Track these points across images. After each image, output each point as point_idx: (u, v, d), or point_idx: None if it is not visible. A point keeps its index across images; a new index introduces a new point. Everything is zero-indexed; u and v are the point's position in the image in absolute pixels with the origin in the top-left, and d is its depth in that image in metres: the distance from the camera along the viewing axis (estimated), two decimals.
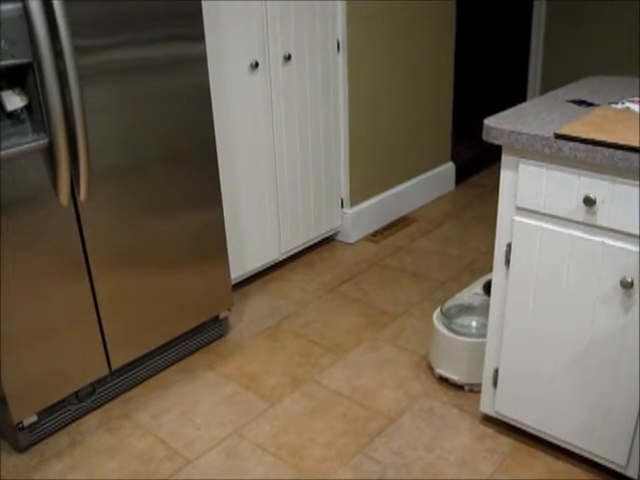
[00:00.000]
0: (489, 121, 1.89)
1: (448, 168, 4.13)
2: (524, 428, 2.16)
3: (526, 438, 2.20)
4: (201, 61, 2.37)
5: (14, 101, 1.96)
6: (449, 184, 4.17)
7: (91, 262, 2.25)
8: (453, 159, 4.17)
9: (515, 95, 4.83)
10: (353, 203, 3.54)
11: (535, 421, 2.10)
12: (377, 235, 3.65)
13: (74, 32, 1.98)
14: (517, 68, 4.84)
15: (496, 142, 1.86)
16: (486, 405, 2.23)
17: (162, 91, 2.29)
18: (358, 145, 3.44)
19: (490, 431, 2.25)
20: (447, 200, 4.07)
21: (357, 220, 3.58)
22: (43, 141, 2.02)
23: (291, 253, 3.36)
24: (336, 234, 3.61)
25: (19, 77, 1.97)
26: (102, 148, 2.18)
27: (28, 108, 2.01)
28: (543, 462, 2.11)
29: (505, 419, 2.20)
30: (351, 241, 3.58)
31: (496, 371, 2.15)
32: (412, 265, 3.34)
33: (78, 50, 2.02)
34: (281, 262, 3.38)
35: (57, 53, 1.93)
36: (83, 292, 2.26)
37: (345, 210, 3.53)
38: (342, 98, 3.29)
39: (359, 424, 2.32)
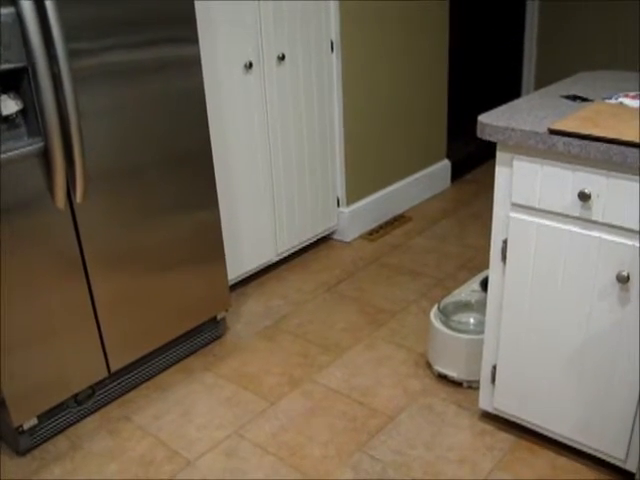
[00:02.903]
0: (483, 118, 1.89)
1: (444, 166, 4.13)
2: (523, 424, 2.16)
3: (526, 434, 2.20)
4: (195, 63, 2.37)
5: (9, 105, 1.96)
6: (445, 182, 4.18)
7: (88, 265, 2.25)
8: (449, 156, 4.18)
9: (510, 92, 4.84)
10: (349, 202, 3.55)
11: (534, 417, 2.11)
12: (373, 233, 3.65)
13: (68, 36, 1.98)
14: (511, 64, 4.85)
15: (490, 139, 1.86)
16: (485, 402, 2.23)
17: (157, 93, 2.29)
18: (353, 144, 3.45)
19: (489, 428, 2.26)
20: (443, 198, 4.07)
21: (353, 219, 3.58)
22: (38, 145, 2.02)
23: (288, 253, 3.36)
24: (333, 233, 3.62)
25: (14, 81, 1.97)
26: (98, 151, 2.18)
27: (23, 112, 2.01)
28: (543, 458, 2.12)
29: (504, 415, 2.20)
30: (348, 240, 3.59)
31: (494, 367, 2.16)
32: (409, 263, 3.35)
33: (72, 54, 2.02)
34: (278, 262, 3.38)
35: (51, 57, 1.93)
36: (81, 295, 2.26)
37: (341, 209, 3.53)
38: (336, 97, 3.30)
39: (358, 422, 2.33)
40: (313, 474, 2.12)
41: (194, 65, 2.37)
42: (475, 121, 2.01)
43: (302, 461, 2.18)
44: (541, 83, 4.72)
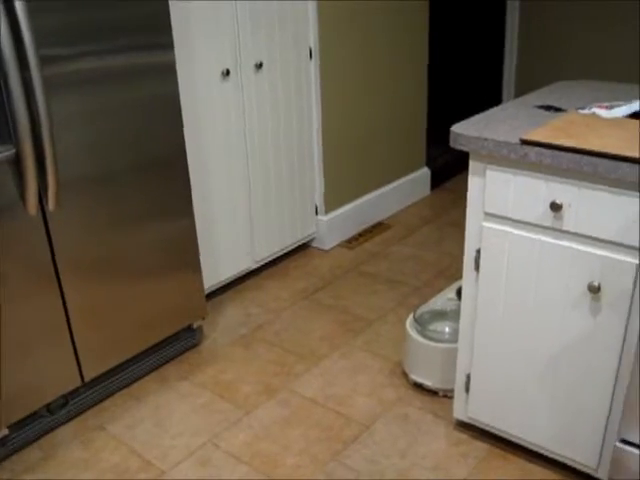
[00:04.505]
0: (456, 128, 1.89)
1: (423, 173, 4.14)
2: (498, 433, 2.17)
3: (500, 443, 2.20)
4: (170, 70, 2.36)
5: None
6: (424, 189, 4.19)
7: (61, 273, 2.23)
8: (428, 164, 4.19)
9: (490, 100, 4.86)
10: (328, 210, 3.54)
11: (508, 426, 2.11)
12: (352, 241, 3.65)
13: (39, 42, 1.96)
14: (491, 73, 4.87)
15: (463, 148, 1.86)
16: (459, 411, 2.24)
17: (131, 100, 2.28)
18: (332, 151, 3.45)
19: (464, 436, 2.26)
20: (423, 205, 4.08)
21: (332, 226, 3.58)
22: (10, 152, 2.00)
23: (266, 261, 3.35)
24: (311, 241, 3.61)
25: None
26: (70, 158, 2.16)
27: None
28: (517, 466, 2.12)
29: (478, 424, 2.20)
30: (326, 248, 3.58)
31: (468, 376, 2.16)
32: (387, 271, 3.35)
33: (44, 60, 2.00)
34: (256, 270, 3.37)
35: (22, 63, 1.92)
36: (53, 303, 2.24)
37: (320, 217, 3.53)
38: (315, 105, 3.30)
39: (333, 432, 2.32)
40: None
41: (169, 72, 2.36)
42: None
43: (276, 470, 2.17)
44: (522, 91, 4.74)
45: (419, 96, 3.93)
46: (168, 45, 2.33)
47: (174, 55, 2.36)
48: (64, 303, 2.27)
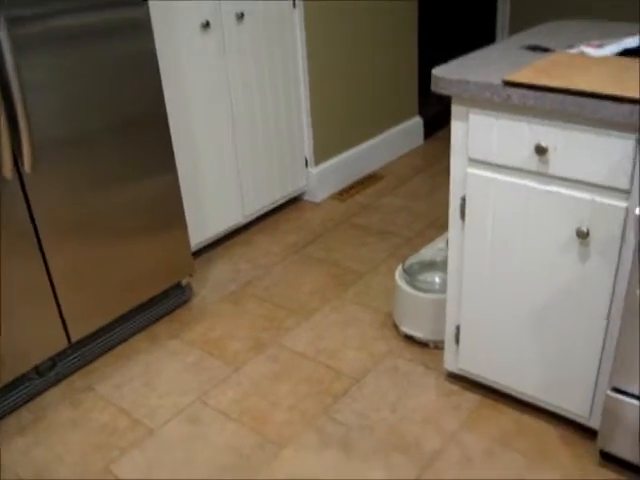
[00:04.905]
0: (437, 71, 1.82)
1: (416, 122, 4.07)
2: (489, 384, 2.14)
3: (492, 394, 2.18)
4: (144, 25, 2.28)
5: None
6: (417, 139, 4.11)
7: (41, 234, 2.19)
8: (421, 113, 4.11)
9: (484, 42, 4.74)
10: (318, 162, 3.48)
11: (499, 376, 2.08)
12: (344, 194, 3.60)
13: (7, 2, 1.89)
14: (485, 14, 4.75)
15: (444, 92, 1.80)
16: (450, 362, 2.21)
17: (105, 58, 2.20)
18: (320, 102, 3.37)
19: (455, 388, 2.23)
20: (415, 155, 4.01)
21: (323, 179, 3.52)
22: None
23: (256, 215, 3.30)
24: (302, 194, 3.56)
25: None
26: (46, 119, 2.10)
27: None
28: (508, 416, 2.10)
29: (469, 376, 2.18)
30: (317, 201, 3.53)
31: (457, 327, 2.12)
32: (379, 222, 3.30)
33: (13, 20, 1.93)
34: (246, 225, 3.32)
35: None
36: (35, 266, 2.20)
37: (310, 169, 3.47)
38: (300, 55, 3.21)
39: (323, 386, 2.30)
40: (276, 439, 2.10)
41: (143, 27, 2.28)
42: None
43: (265, 426, 2.15)
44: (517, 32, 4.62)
45: (409, 43, 3.83)
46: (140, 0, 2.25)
47: (148, 10, 2.27)
48: (46, 265, 2.23)
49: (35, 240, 2.18)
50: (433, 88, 1.82)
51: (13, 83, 1.94)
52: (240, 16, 2.86)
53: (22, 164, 2.07)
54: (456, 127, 1.85)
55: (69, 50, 2.11)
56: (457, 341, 2.14)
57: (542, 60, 1.81)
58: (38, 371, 2.34)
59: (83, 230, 2.30)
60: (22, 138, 2.02)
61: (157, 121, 2.42)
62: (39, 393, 2.37)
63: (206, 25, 2.73)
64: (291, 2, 3.09)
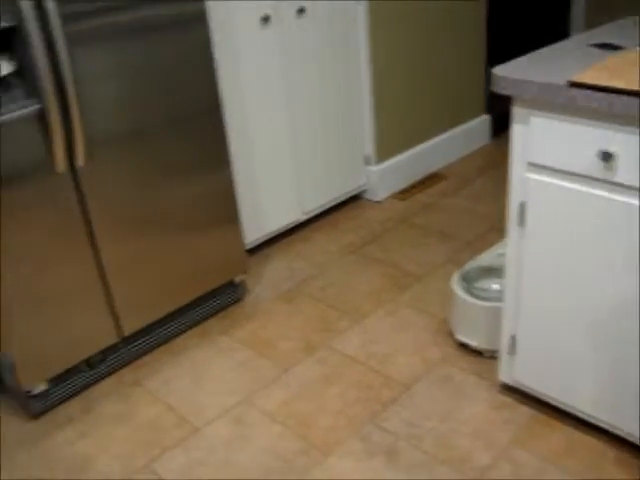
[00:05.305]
0: (498, 70, 1.74)
1: (483, 121, 3.94)
2: (543, 398, 2.04)
3: (545, 408, 2.08)
4: (201, 19, 2.25)
5: (2, 67, 1.89)
6: (483, 138, 3.99)
7: (95, 229, 2.20)
8: (489, 111, 3.98)
9: (558, 39, 4.57)
10: (379, 160, 3.41)
11: (553, 390, 1.98)
12: (405, 193, 3.52)
13: None
14: (560, 9, 4.57)
15: (505, 92, 1.71)
16: (504, 373, 2.12)
17: (160, 53, 2.19)
18: (383, 99, 3.29)
19: (508, 400, 2.14)
20: (481, 155, 3.89)
21: (384, 177, 3.45)
22: (35, 107, 1.96)
23: (315, 213, 3.25)
24: (363, 192, 3.49)
25: (7, 42, 1.90)
26: (101, 113, 2.10)
27: (20, 74, 1.94)
28: (562, 433, 2.00)
29: (524, 388, 2.08)
30: (378, 199, 3.46)
31: (513, 338, 2.03)
32: (440, 224, 3.21)
33: (70, 16, 1.94)
34: (305, 222, 3.28)
35: (43, 17, 1.86)
36: (88, 259, 2.21)
37: (370, 167, 3.40)
38: (363, 48, 3.13)
39: (372, 392, 2.24)
40: (321, 445, 2.05)
41: (200, 21, 2.25)
42: None
43: (310, 431, 2.11)
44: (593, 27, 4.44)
45: (478, 36, 3.71)
46: None
47: (204, 5, 2.24)
48: (99, 259, 2.23)
49: (88, 234, 2.19)
50: (493, 88, 1.73)
51: (67, 79, 1.95)
52: (301, 10, 2.81)
53: (75, 157, 2.07)
54: (516, 130, 1.76)
55: (124, 45, 2.10)
56: (512, 352, 2.05)
57: (611, 59, 1.70)
58: (89, 364, 2.36)
59: (136, 224, 2.29)
60: (75, 131, 2.02)
61: (212, 115, 2.40)
62: (88, 386, 2.38)
63: (266, 19, 2.69)
64: None
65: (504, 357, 2.09)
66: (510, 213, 1.88)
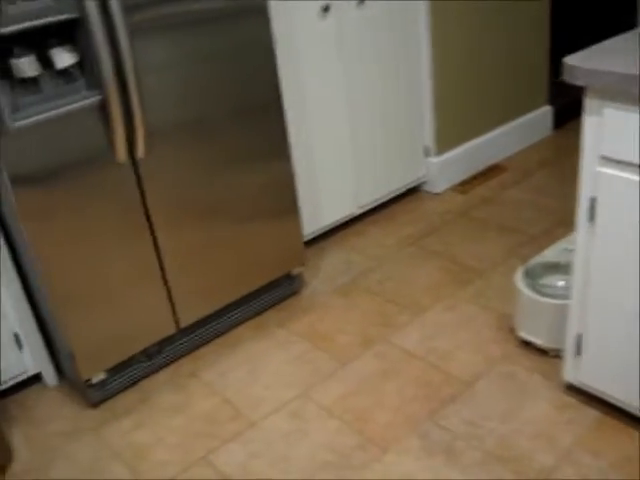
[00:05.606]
0: (570, 59, 1.66)
1: (544, 112, 3.84)
2: (610, 400, 1.97)
3: (612, 411, 2.00)
4: (262, 9, 2.22)
5: (64, 58, 1.90)
6: (545, 129, 3.88)
7: (153, 219, 2.20)
8: (551, 102, 3.87)
9: (624, 28, 4.42)
10: (439, 151, 3.34)
11: (622, 393, 1.91)
12: (465, 185, 3.45)
13: None
14: None
15: (577, 83, 1.64)
16: (569, 373, 2.05)
17: (221, 44, 2.17)
18: (444, 89, 3.23)
19: (573, 401, 2.07)
20: (543, 147, 3.78)
21: (444, 169, 3.38)
22: (96, 98, 1.96)
23: (372, 205, 3.21)
24: (422, 184, 3.43)
25: (69, 33, 1.90)
26: (161, 103, 2.10)
27: (81, 65, 1.95)
28: (629, 438, 1.92)
29: (589, 389, 2.01)
30: (437, 191, 3.40)
31: (580, 337, 1.96)
32: (501, 217, 3.13)
33: (131, 6, 1.93)
34: (362, 215, 3.23)
35: (105, 8, 1.85)
36: (146, 250, 2.21)
37: (430, 159, 3.34)
38: (424, 37, 3.06)
39: (431, 389, 2.19)
40: (378, 441, 2.02)
41: (260, 12, 2.22)
42: None
43: (367, 427, 2.07)
44: None
45: (540, 25, 3.60)
46: None
47: None
48: (157, 250, 2.24)
49: (147, 223, 2.19)
50: (565, 78, 1.66)
51: (128, 70, 1.94)
52: (361, 0, 2.76)
53: (136, 148, 2.07)
54: (588, 122, 1.69)
55: (186, 35, 2.09)
56: (579, 351, 1.98)
57: None
58: (146, 354, 2.36)
59: (195, 216, 2.29)
60: (136, 122, 2.02)
61: (272, 107, 2.37)
62: (146, 376, 2.39)
63: (326, 9, 2.65)
64: None
65: (569, 356, 2.02)
66: (579, 208, 1.81)
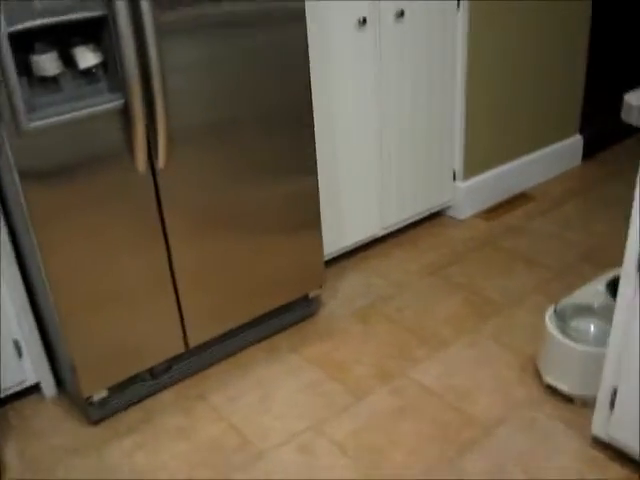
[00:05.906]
0: (632, 98, 1.55)
1: (575, 141, 3.72)
2: None
3: None
4: (298, 17, 2.12)
5: (87, 58, 1.79)
6: (575, 159, 3.77)
7: (169, 230, 2.09)
8: (581, 131, 3.76)
9: None
10: (467, 176, 3.23)
11: None
12: (491, 212, 3.33)
13: None
14: None
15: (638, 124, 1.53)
16: (598, 426, 1.93)
17: (252, 49, 2.07)
18: (475, 112, 3.12)
19: (600, 456, 1.95)
20: (572, 177, 3.67)
21: (470, 194, 3.27)
22: (118, 102, 1.85)
23: (395, 228, 3.10)
24: (447, 209, 3.32)
25: (94, 32, 1.80)
26: (184, 110, 1.99)
27: (104, 66, 1.84)
28: None
29: (619, 445, 1.89)
30: (462, 217, 3.29)
31: (615, 390, 1.84)
32: (527, 249, 3.02)
33: (161, 6, 1.82)
34: (384, 237, 3.12)
35: (133, 6, 1.75)
36: (159, 263, 2.11)
37: (457, 183, 3.23)
38: (460, 60, 2.96)
39: (449, 431, 2.08)
40: None
41: (297, 19, 2.12)
42: (617, 91, 1.67)
43: (380, 468, 1.96)
44: None
45: (579, 54, 3.50)
46: None
47: (304, 3, 2.12)
48: (171, 264, 2.13)
49: (162, 236, 2.08)
50: (625, 117, 1.55)
51: (154, 71, 1.83)
52: (400, 14, 2.66)
53: (156, 157, 1.97)
54: None
55: (216, 38, 1.98)
56: (612, 405, 1.86)
57: None
58: (152, 373, 2.26)
59: (213, 228, 2.18)
60: (158, 130, 1.92)
61: (302, 117, 2.27)
62: (150, 395, 2.29)
63: (363, 22, 2.55)
64: (455, 2, 2.86)
65: (601, 409, 1.90)
66: (627, 255, 1.69)
